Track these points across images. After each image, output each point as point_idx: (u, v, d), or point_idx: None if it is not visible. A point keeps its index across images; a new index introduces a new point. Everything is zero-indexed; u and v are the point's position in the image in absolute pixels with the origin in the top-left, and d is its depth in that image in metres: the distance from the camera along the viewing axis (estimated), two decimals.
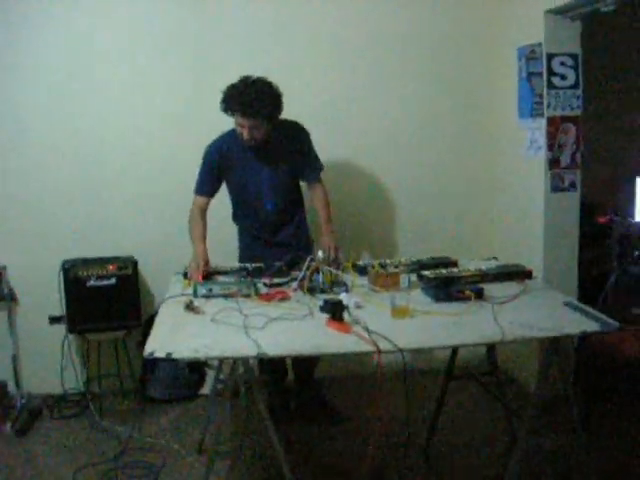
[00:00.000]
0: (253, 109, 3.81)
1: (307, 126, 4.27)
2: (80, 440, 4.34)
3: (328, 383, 4.84)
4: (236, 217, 4.39)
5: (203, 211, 4.14)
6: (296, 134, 4.22)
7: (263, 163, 4.13)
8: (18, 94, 4.68)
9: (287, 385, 4.66)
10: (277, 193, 4.20)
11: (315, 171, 4.30)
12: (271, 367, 4.49)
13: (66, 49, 4.69)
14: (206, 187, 4.17)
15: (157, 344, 2.78)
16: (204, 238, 4.05)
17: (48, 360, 4.82)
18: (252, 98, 3.78)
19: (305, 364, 4.53)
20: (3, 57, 4.63)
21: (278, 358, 4.30)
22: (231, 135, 4.09)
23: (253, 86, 3.83)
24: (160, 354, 2.69)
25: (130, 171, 4.86)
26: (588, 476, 3.30)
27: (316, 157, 4.30)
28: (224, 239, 4.43)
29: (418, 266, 3.79)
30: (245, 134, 3.92)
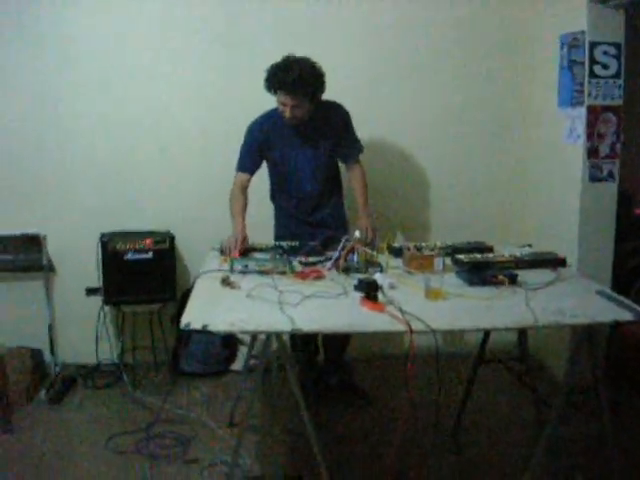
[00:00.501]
0: (295, 87, 3.84)
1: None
2: (113, 410, 4.43)
3: (359, 364, 4.87)
4: (274, 196, 4.42)
5: (244, 188, 4.17)
6: (337, 114, 4.25)
7: (304, 142, 4.16)
8: (56, 70, 4.75)
9: (318, 363, 4.69)
10: (316, 173, 4.23)
11: (354, 152, 4.33)
12: (303, 344, 4.53)
13: (99, 31, 4.75)
14: (247, 164, 4.20)
15: (193, 316, 2.82)
16: (244, 215, 4.07)
17: (84, 331, 4.92)
18: (295, 76, 3.81)
19: (336, 345, 4.57)
20: (45, 40, 4.71)
21: (310, 336, 4.37)
22: (273, 114, 4.13)
23: (296, 65, 3.86)
24: (196, 326, 2.73)
25: (169, 146, 4.92)
26: (615, 466, 3.31)
27: (356, 138, 4.33)
28: (263, 218, 4.47)
29: (453, 250, 3.79)
30: (287, 112, 3.95)
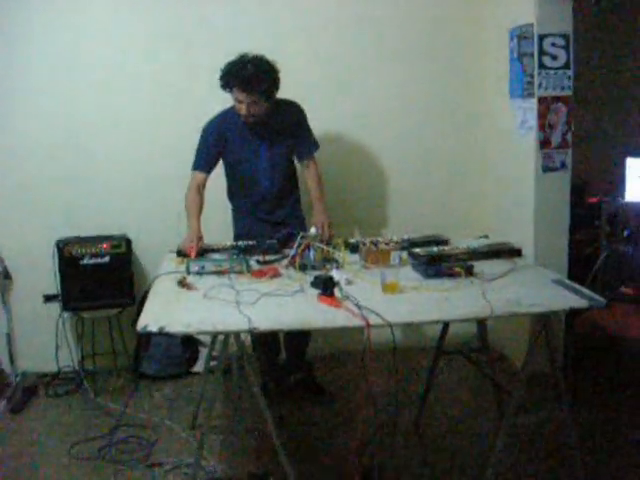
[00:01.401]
0: (251, 84, 3.86)
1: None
2: (75, 417, 4.39)
3: (320, 361, 4.87)
4: (232, 195, 4.40)
5: (200, 188, 4.14)
6: (293, 112, 4.27)
7: (261, 140, 4.17)
8: (9, 75, 4.69)
9: (280, 363, 4.68)
10: (274, 171, 4.24)
11: (310, 148, 4.34)
12: (264, 344, 4.52)
13: (53, 31, 4.70)
14: (204, 163, 4.17)
15: (150, 319, 2.81)
16: (199, 215, 4.05)
17: (43, 338, 4.86)
18: (250, 74, 3.84)
19: (297, 343, 4.56)
20: None
21: (271, 336, 4.37)
22: (229, 113, 4.14)
23: (251, 62, 3.89)
24: (153, 328, 2.72)
25: (125, 150, 4.88)
26: (574, 451, 3.35)
27: (312, 135, 4.34)
28: (220, 217, 4.46)
29: (409, 244, 3.82)
30: (243, 110, 3.96)
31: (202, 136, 4.20)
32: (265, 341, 4.47)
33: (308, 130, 4.34)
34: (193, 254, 3.69)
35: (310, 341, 4.57)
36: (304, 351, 4.60)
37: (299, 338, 4.48)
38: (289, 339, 4.54)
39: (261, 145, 4.18)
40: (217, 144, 4.17)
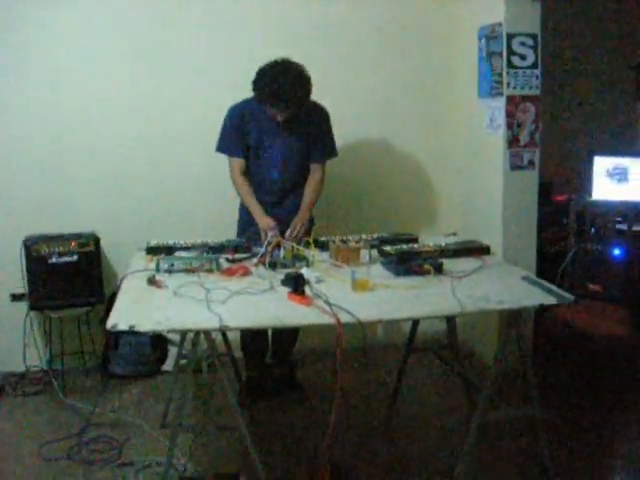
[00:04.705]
0: (294, 101, 3.89)
1: None
2: (44, 417, 4.35)
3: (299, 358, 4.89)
4: None
5: (245, 173, 4.19)
6: (318, 114, 4.26)
7: (281, 132, 4.14)
8: None
9: (266, 362, 4.65)
10: (287, 165, 4.21)
11: (325, 151, 4.32)
12: (253, 342, 4.49)
13: (29, 26, 4.63)
14: (240, 150, 4.18)
15: (120, 317, 2.80)
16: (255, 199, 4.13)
17: (10, 337, 4.81)
18: (290, 90, 3.83)
19: (284, 340, 4.56)
20: None
21: (259, 335, 4.38)
22: (252, 102, 4.11)
23: (288, 77, 3.85)
24: (123, 326, 2.72)
25: (93, 147, 4.83)
26: (543, 447, 3.38)
27: (331, 142, 4.33)
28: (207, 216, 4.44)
29: (379, 241, 3.85)
30: (280, 118, 3.99)
31: (230, 121, 4.19)
32: (255, 340, 4.45)
33: (328, 136, 4.32)
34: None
35: (297, 339, 4.58)
36: (290, 348, 4.62)
37: (286, 334, 4.49)
38: (277, 334, 4.54)
39: (279, 136, 4.16)
40: (241, 129, 4.16)
